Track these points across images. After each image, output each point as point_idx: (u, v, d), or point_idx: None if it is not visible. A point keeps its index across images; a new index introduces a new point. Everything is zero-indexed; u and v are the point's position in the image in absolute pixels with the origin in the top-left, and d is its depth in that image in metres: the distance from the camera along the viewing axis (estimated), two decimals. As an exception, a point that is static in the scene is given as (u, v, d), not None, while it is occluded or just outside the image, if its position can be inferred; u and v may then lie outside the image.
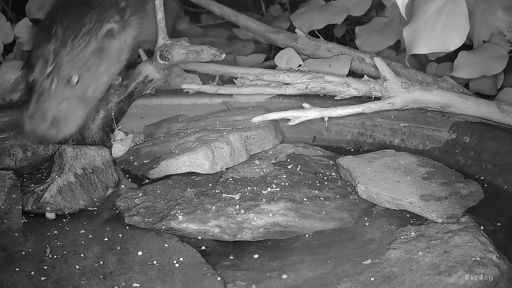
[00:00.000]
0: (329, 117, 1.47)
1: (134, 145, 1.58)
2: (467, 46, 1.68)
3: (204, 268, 1.07)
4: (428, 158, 1.42)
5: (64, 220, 1.25)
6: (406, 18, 1.21)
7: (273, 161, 1.47)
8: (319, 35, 1.89)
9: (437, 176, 1.30)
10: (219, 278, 1.04)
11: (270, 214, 1.22)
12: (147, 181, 1.42)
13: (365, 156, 1.43)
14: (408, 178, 1.29)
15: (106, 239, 1.17)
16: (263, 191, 1.31)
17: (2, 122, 1.51)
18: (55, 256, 1.10)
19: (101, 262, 1.09)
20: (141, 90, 1.64)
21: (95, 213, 1.29)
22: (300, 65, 1.72)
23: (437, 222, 1.17)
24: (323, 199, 1.30)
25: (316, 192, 1.32)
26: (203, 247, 1.15)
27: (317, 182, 1.38)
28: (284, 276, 1.04)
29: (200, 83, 1.72)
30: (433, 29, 1.21)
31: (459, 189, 1.27)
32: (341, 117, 1.50)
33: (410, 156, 1.41)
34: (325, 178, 1.41)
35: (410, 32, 1.26)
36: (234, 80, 1.70)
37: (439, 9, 1.21)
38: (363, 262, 1.07)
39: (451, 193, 1.24)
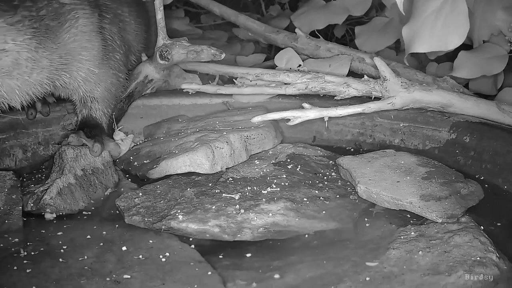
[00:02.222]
0: (329, 117, 1.47)
1: (134, 145, 1.58)
2: (467, 46, 1.68)
3: (204, 268, 1.07)
4: (428, 158, 1.42)
5: (63, 220, 1.25)
6: (404, 14, 1.20)
7: (273, 161, 1.47)
8: (319, 35, 1.89)
9: (437, 176, 1.30)
10: (219, 278, 1.04)
11: (270, 214, 1.22)
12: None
13: (365, 156, 1.43)
14: (408, 178, 1.29)
15: (105, 239, 1.17)
16: (263, 191, 1.31)
17: (2, 122, 1.51)
18: (54, 256, 1.10)
19: (101, 262, 1.09)
20: (141, 90, 1.64)
21: (94, 213, 1.29)
22: (300, 65, 1.72)
23: (437, 222, 1.17)
24: (323, 199, 1.30)
25: (316, 192, 1.32)
26: (203, 247, 1.15)
27: (317, 182, 1.38)
28: (284, 276, 1.04)
29: (200, 83, 1.72)
30: (432, 28, 1.21)
31: (459, 189, 1.26)
32: (341, 117, 1.50)
33: (410, 156, 1.41)
34: (325, 178, 1.41)
35: (409, 30, 1.25)
36: (234, 80, 1.70)
37: (439, 8, 1.21)
38: (364, 263, 1.07)
39: (451, 193, 1.24)
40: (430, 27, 1.21)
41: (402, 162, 1.38)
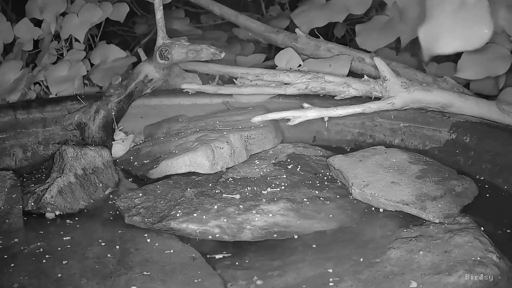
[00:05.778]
0: (329, 117, 1.47)
1: (134, 145, 1.58)
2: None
3: (204, 268, 1.07)
4: (419, 154, 1.42)
5: (64, 220, 1.25)
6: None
7: (273, 161, 1.47)
8: (319, 35, 1.89)
9: (430, 174, 1.30)
10: (219, 278, 1.04)
11: (270, 215, 1.22)
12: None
13: (356, 154, 1.42)
14: (402, 177, 1.29)
15: (106, 239, 1.17)
16: (263, 191, 1.31)
17: (2, 122, 1.51)
18: (55, 256, 1.10)
19: (101, 262, 1.08)
20: (141, 90, 1.64)
21: (95, 213, 1.29)
22: (300, 65, 1.72)
23: (435, 223, 1.17)
24: (323, 199, 1.29)
25: (316, 192, 1.32)
26: (204, 247, 1.15)
27: (317, 182, 1.38)
28: (285, 275, 1.04)
29: (200, 82, 1.72)
30: (454, 27, 1.18)
31: (453, 187, 1.27)
32: (341, 117, 1.50)
33: (401, 153, 1.41)
34: (325, 178, 1.40)
35: (427, 32, 1.20)
36: (234, 80, 1.70)
37: (459, 6, 1.18)
38: (365, 262, 1.07)
39: (446, 191, 1.24)
40: (451, 27, 1.18)
41: (394, 160, 1.38)
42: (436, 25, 1.19)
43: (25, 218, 1.24)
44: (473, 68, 1.59)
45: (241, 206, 1.25)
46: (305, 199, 1.28)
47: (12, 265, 1.07)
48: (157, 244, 1.15)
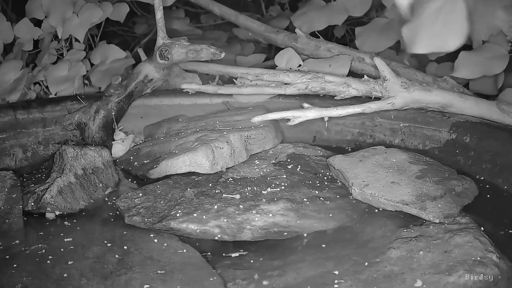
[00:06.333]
0: (329, 117, 1.47)
1: (134, 145, 1.58)
2: (468, 46, 1.68)
3: (204, 268, 1.07)
4: (419, 155, 1.42)
5: (64, 220, 1.25)
6: (408, 17, 1.20)
7: (273, 161, 1.47)
8: (319, 35, 1.89)
9: (430, 174, 1.30)
10: (219, 278, 1.04)
11: (270, 215, 1.22)
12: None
13: (356, 155, 1.42)
14: (402, 177, 1.29)
15: (106, 239, 1.17)
16: (263, 191, 1.31)
17: (2, 122, 1.51)
18: (55, 256, 1.10)
19: (101, 262, 1.08)
20: (141, 90, 1.64)
21: (95, 213, 1.29)
22: (300, 65, 1.72)
23: (435, 223, 1.17)
24: (323, 199, 1.29)
25: (316, 192, 1.32)
26: (203, 247, 1.15)
27: (317, 182, 1.38)
28: (285, 275, 1.04)
29: (200, 82, 1.72)
30: (432, 28, 1.21)
31: (453, 187, 1.27)
32: (341, 117, 1.50)
33: (402, 153, 1.41)
34: (325, 178, 1.41)
35: (409, 31, 1.25)
36: (234, 80, 1.70)
37: (439, 8, 1.21)
38: (365, 262, 1.07)
39: (446, 191, 1.24)
40: (430, 28, 1.21)
41: (394, 160, 1.38)
42: (417, 24, 1.21)
43: (25, 218, 1.24)
44: (470, 67, 1.59)
45: (241, 206, 1.25)
46: (305, 199, 1.28)
47: (15, 265, 1.07)
48: (157, 244, 1.15)
